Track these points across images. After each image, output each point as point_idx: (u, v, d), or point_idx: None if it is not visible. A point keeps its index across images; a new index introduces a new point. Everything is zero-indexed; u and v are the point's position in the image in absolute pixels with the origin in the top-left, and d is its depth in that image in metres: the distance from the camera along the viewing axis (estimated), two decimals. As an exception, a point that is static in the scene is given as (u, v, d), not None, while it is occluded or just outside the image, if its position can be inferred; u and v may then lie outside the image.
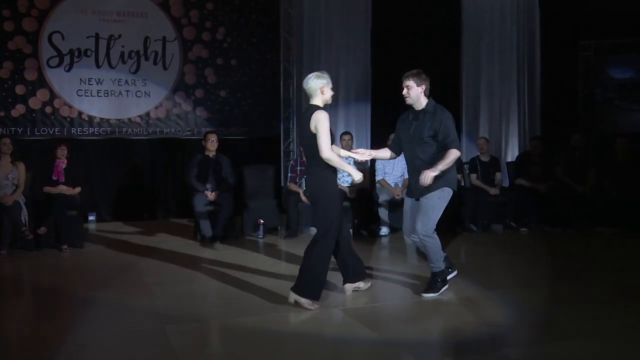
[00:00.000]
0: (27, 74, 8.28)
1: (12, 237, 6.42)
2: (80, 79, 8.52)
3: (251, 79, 9.32)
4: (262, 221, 7.22)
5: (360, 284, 4.77)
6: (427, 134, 4.57)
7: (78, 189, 6.93)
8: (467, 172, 8.23)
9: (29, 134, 8.30)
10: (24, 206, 6.48)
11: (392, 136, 7.38)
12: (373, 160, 7.21)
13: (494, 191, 7.86)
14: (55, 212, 6.56)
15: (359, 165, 7.49)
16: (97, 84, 8.60)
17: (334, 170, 4.41)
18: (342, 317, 4.30)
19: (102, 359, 3.60)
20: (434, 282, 4.73)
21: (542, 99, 9.69)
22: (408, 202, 4.85)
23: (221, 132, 8.58)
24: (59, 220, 6.57)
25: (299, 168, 7.55)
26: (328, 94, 4.45)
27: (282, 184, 8.70)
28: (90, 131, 8.60)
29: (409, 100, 4.66)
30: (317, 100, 4.45)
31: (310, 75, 4.47)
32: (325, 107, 4.47)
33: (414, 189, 4.68)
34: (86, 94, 8.56)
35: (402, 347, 3.70)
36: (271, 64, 9.35)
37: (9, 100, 8.22)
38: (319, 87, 4.41)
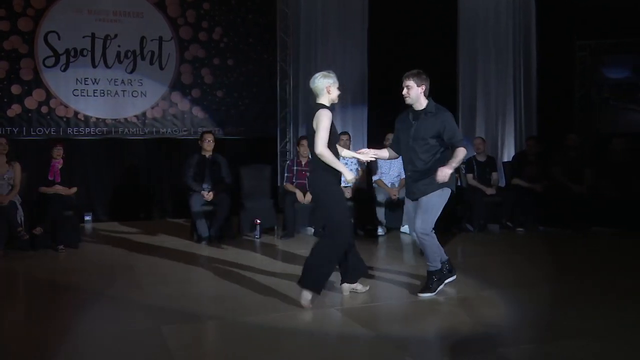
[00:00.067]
0: (23, 74, 8.27)
1: (8, 237, 6.40)
2: (77, 79, 8.50)
3: (248, 79, 9.32)
4: (258, 221, 7.21)
5: (358, 287, 4.76)
6: (430, 134, 4.58)
7: (74, 189, 6.92)
8: (464, 171, 8.23)
9: (24, 134, 8.28)
10: (19, 206, 6.46)
11: (388, 136, 7.47)
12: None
13: (490, 191, 7.87)
14: (51, 212, 6.54)
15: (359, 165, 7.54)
16: (93, 83, 8.58)
17: (336, 171, 4.41)
18: (339, 317, 4.30)
19: (98, 360, 3.60)
20: (430, 281, 4.73)
21: (539, 98, 9.70)
22: (409, 201, 4.86)
23: (218, 132, 8.61)
24: (55, 220, 6.56)
25: (295, 168, 7.55)
26: (334, 93, 4.47)
27: (279, 184, 8.70)
28: (87, 131, 8.58)
29: (408, 100, 4.66)
30: (324, 100, 4.47)
31: (316, 75, 4.49)
32: (331, 107, 4.48)
33: (415, 190, 4.67)
34: (82, 94, 8.54)
35: (400, 347, 3.70)
36: (268, 64, 9.35)
37: (5, 100, 8.21)
38: (326, 87, 4.43)
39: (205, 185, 7.08)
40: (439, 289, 4.73)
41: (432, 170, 4.55)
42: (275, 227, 7.59)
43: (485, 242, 7.25)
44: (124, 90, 8.73)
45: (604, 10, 8.85)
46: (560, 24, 9.39)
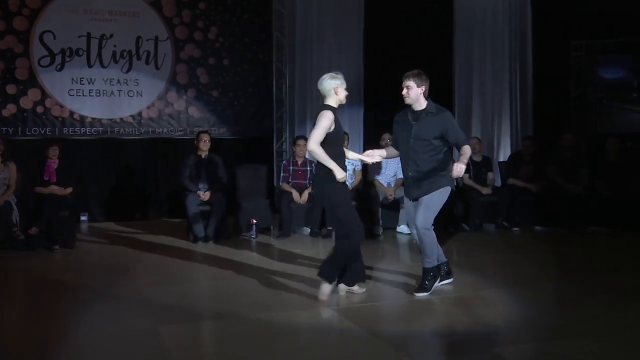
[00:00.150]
0: (18, 74, 8.24)
1: (3, 237, 6.37)
2: (72, 79, 8.48)
3: (243, 79, 9.31)
4: (254, 221, 7.20)
5: (355, 288, 4.75)
6: (433, 135, 4.58)
7: (70, 189, 6.89)
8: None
9: (20, 133, 8.25)
10: (15, 206, 6.44)
11: (384, 136, 7.47)
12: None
13: (486, 191, 7.88)
14: (46, 213, 6.51)
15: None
16: (89, 83, 8.56)
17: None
18: (336, 317, 4.30)
19: (95, 360, 3.59)
20: (426, 279, 4.73)
21: (534, 98, 9.74)
22: (408, 201, 4.88)
23: (213, 132, 8.62)
24: (50, 220, 6.53)
25: (291, 168, 7.55)
26: (342, 94, 4.47)
27: (275, 184, 8.70)
28: (82, 131, 8.56)
29: (408, 101, 4.66)
30: (331, 101, 4.46)
31: (324, 76, 4.48)
32: (338, 107, 4.49)
33: (419, 189, 4.66)
34: (78, 94, 8.52)
35: (397, 347, 3.70)
36: (263, 64, 9.34)
37: (0, 99, 8.17)
38: (333, 88, 4.43)
39: (201, 185, 7.08)
40: (433, 287, 4.73)
41: (437, 170, 4.59)
42: (271, 227, 7.58)
43: (481, 241, 7.25)
44: (119, 90, 8.70)
45: (599, 11, 8.87)
46: (556, 24, 9.42)
